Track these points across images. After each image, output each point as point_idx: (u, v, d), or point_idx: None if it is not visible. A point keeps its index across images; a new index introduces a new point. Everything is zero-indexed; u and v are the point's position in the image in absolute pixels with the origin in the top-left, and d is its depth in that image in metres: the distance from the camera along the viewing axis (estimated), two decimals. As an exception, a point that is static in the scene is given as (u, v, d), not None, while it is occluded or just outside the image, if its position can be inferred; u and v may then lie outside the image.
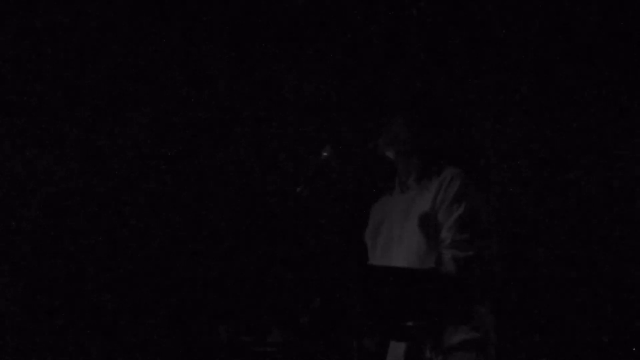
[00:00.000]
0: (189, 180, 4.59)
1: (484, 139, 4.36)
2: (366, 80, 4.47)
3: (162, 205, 4.55)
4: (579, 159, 4.35)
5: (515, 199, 4.34)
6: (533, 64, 4.40)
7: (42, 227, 4.47)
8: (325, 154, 2.90)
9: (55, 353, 4.36)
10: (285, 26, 4.57)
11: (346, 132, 4.27)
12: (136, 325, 4.43)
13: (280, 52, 4.59)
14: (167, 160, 4.58)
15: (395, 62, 4.44)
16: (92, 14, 4.50)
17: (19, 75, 4.48)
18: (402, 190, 3.06)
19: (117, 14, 4.52)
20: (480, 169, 3.99)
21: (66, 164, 4.51)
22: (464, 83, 4.37)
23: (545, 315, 4.27)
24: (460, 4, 4.43)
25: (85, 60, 4.53)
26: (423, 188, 2.97)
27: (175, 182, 4.58)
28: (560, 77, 4.38)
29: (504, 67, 4.41)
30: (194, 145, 4.60)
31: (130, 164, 4.55)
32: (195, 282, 4.46)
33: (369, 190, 3.48)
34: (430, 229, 2.87)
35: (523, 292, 4.27)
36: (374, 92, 4.31)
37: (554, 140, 4.38)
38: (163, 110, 4.59)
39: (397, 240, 2.99)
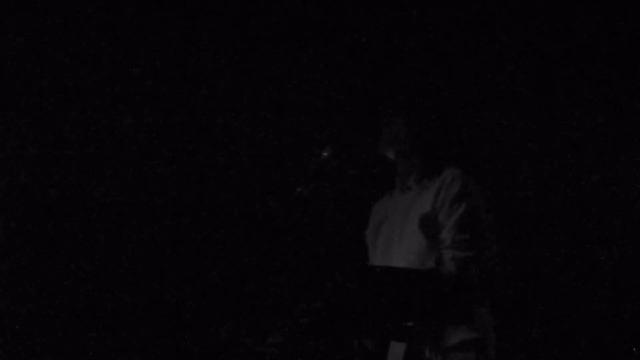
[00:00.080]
0: (189, 180, 4.59)
1: (484, 139, 4.36)
2: (366, 80, 4.47)
3: (162, 205, 4.55)
4: (578, 159, 4.35)
5: (515, 199, 4.34)
6: (533, 63, 4.40)
7: (42, 227, 4.47)
8: (325, 154, 2.90)
9: (56, 353, 4.36)
10: (285, 26, 4.57)
11: (346, 132, 4.27)
12: (136, 325, 4.43)
13: (281, 52, 4.59)
14: (167, 160, 4.58)
15: (395, 62, 4.44)
16: (93, 13, 4.50)
17: (19, 75, 4.48)
18: (402, 191, 3.06)
19: (117, 14, 4.52)
20: (480, 169, 3.99)
21: (66, 164, 4.51)
22: (464, 83, 4.36)
23: (545, 315, 4.27)
24: (460, 3, 4.43)
25: (85, 60, 4.53)
26: (423, 188, 2.97)
27: (175, 181, 4.58)
28: (561, 77, 4.38)
29: (504, 67, 4.41)
30: (194, 145, 4.60)
31: (130, 163, 4.56)
32: (195, 282, 4.46)
33: (369, 190, 3.48)
34: (431, 230, 2.87)
35: (523, 292, 4.27)
36: (374, 92, 4.32)
37: (554, 140, 4.38)
38: (163, 110, 4.59)
39: (397, 240, 2.98)
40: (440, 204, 2.88)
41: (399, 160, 3.06)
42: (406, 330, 2.69)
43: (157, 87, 4.58)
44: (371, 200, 3.25)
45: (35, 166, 4.48)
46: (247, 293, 4.32)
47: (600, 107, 4.33)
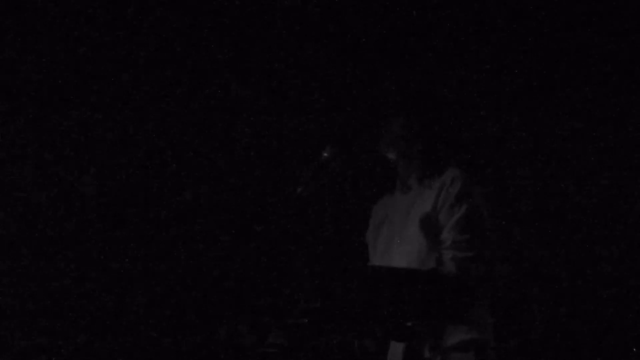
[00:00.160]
0: (189, 180, 4.59)
1: (485, 139, 4.36)
2: (366, 80, 4.47)
3: (162, 205, 4.55)
4: (578, 158, 4.35)
5: (515, 199, 4.34)
6: (534, 63, 4.40)
7: (42, 227, 4.47)
8: (325, 154, 2.90)
9: (56, 353, 4.36)
10: (285, 26, 4.57)
11: (346, 132, 4.27)
12: (136, 325, 4.43)
13: (280, 51, 4.59)
14: (167, 160, 4.58)
15: (395, 62, 4.44)
16: (93, 13, 4.50)
17: (18, 75, 4.48)
18: (403, 191, 3.06)
19: (117, 14, 4.52)
20: (481, 169, 3.99)
21: (66, 164, 4.51)
22: (464, 83, 4.36)
23: (545, 315, 4.27)
24: (460, 3, 4.43)
25: (85, 59, 4.53)
26: (424, 188, 2.97)
27: (176, 181, 4.57)
28: (561, 77, 4.38)
29: (504, 67, 4.41)
30: (194, 145, 4.60)
31: (130, 163, 4.55)
32: (196, 282, 4.46)
33: (369, 190, 3.48)
34: (431, 230, 2.87)
35: (523, 292, 4.27)
36: (374, 92, 4.32)
37: (554, 140, 4.38)
38: (163, 110, 4.59)
39: (398, 240, 2.98)
40: (441, 204, 2.88)
41: (400, 161, 3.06)
42: (406, 330, 2.69)
43: (157, 87, 4.58)
44: (371, 200, 3.25)
45: (35, 166, 4.48)
46: (247, 293, 4.32)
47: (601, 107, 4.33)
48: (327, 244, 4.29)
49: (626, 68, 4.29)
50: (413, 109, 3.05)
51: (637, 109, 4.29)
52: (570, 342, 4.23)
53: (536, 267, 4.31)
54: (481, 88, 4.41)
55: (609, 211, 4.28)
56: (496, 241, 2.89)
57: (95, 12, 4.49)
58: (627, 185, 4.28)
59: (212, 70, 4.61)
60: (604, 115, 4.33)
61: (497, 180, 4.28)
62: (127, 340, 4.41)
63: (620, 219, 4.27)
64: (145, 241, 4.51)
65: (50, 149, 4.50)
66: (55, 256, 4.44)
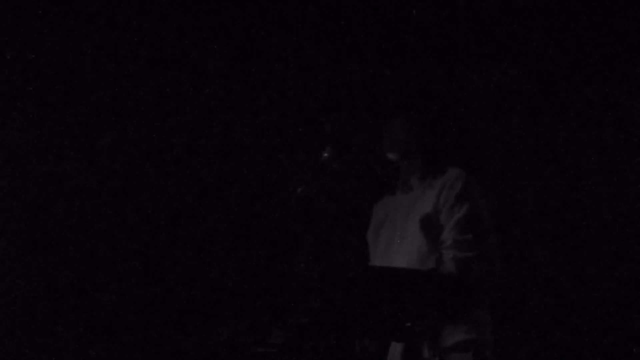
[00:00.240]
0: (189, 180, 4.59)
1: (485, 139, 4.36)
2: (366, 80, 4.47)
3: (161, 205, 4.55)
4: (579, 159, 4.35)
5: (515, 199, 4.34)
6: (534, 63, 4.40)
7: (42, 227, 4.47)
8: (325, 154, 2.90)
9: (56, 353, 4.36)
10: (285, 26, 4.57)
11: (346, 132, 4.27)
12: (136, 325, 4.43)
13: (281, 51, 4.59)
14: (167, 160, 4.58)
15: (395, 62, 4.44)
16: (93, 12, 4.50)
17: (18, 75, 4.48)
18: (404, 191, 3.06)
19: (117, 14, 4.52)
20: (481, 170, 3.99)
21: (66, 164, 4.51)
22: (464, 83, 4.36)
23: (544, 315, 4.27)
24: (460, 3, 4.43)
25: (85, 59, 4.53)
26: (425, 188, 2.97)
27: (176, 181, 4.57)
28: (561, 77, 4.38)
29: (504, 67, 4.41)
30: (193, 146, 4.60)
31: (130, 163, 4.55)
32: (196, 282, 4.46)
33: (369, 190, 3.48)
34: (432, 230, 2.87)
35: (523, 292, 4.26)
36: (374, 92, 4.32)
37: (554, 140, 4.38)
38: (163, 110, 4.59)
39: (398, 240, 2.98)
40: (442, 204, 2.88)
41: (401, 161, 3.06)
42: (406, 331, 2.69)
43: (157, 87, 4.58)
44: (372, 200, 3.25)
45: (35, 166, 4.48)
46: (247, 293, 4.32)
47: (600, 107, 4.33)
48: (327, 244, 4.29)
49: (626, 68, 4.28)
50: (413, 109, 3.05)
51: (637, 109, 4.29)
52: (570, 342, 4.23)
53: (536, 267, 4.31)
54: (481, 88, 4.41)
55: (609, 211, 4.28)
56: (497, 242, 2.89)
57: (95, 12, 4.49)
58: (627, 185, 4.28)
59: (212, 70, 4.61)
60: (604, 115, 4.32)
61: (497, 180, 4.27)
62: (127, 340, 4.41)
63: (620, 219, 4.27)
64: (145, 241, 4.51)
65: (50, 148, 4.50)
66: (56, 256, 4.44)
